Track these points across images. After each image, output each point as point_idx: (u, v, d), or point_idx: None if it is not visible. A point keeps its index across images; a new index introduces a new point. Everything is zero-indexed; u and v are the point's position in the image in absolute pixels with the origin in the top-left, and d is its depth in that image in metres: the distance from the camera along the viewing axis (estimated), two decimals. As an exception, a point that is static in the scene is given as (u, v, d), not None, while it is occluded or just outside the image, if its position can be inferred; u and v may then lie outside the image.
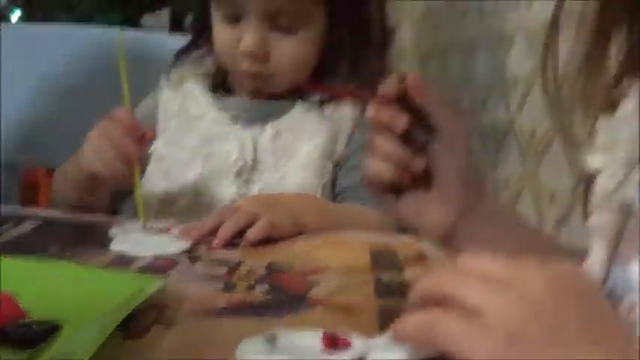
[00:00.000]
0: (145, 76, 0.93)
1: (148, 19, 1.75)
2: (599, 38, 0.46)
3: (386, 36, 0.93)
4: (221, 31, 0.90)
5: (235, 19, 0.88)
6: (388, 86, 0.52)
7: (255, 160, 0.88)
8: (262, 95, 0.91)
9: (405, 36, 2.61)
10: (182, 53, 0.98)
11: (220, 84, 0.95)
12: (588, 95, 0.47)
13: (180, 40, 1.03)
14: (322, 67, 0.91)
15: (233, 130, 0.90)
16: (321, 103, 0.90)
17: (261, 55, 0.87)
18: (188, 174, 0.89)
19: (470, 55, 2.15)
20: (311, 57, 0.90)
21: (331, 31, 0.90)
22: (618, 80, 0.46)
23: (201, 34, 0.96)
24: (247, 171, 0.88)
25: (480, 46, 2.08)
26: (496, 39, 1.98)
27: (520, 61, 1.81)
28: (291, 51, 0.88)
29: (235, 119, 0.91)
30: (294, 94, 0.90)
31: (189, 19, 1.38)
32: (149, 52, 1.16)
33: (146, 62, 1.05)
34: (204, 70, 0.95)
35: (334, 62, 0.90)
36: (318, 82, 0.90)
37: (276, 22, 0.87)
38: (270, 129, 0.89)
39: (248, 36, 0.87)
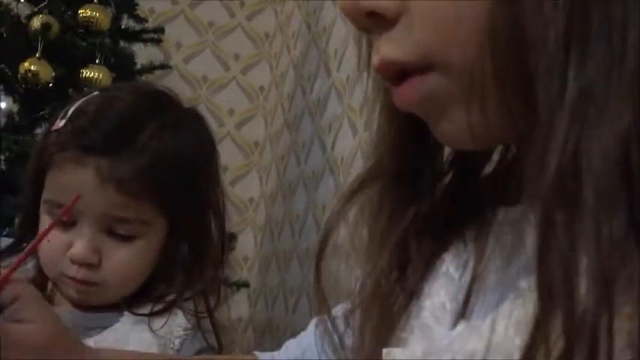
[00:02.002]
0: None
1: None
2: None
3: (224, 249, 0.92)
4: (50, 235, 0.85)
5: (68, 224, 0.83)
6: None
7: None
8: (86, 306, 0.85)
9: (247, 243, 2.64)
10: (5, 253, 0.91)
11: (39, 291, 0.88)
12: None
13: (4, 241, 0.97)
14: (155, 276, 0.87)
15: None
16: (151, 314, 0.84)
17: (93, 263, 0.82)
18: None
19: (307, 264, 2.20)
20: (146, 267, 0.86)
21: (170, 242, 0.86)
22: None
23: (28, 236, 0.90)
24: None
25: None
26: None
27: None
28: (125, 260, 0.83)
29: None
30: (122, 304, 0.85)
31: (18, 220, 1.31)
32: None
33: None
34: (23, 275, 0.88)
35: (169, 272, 0.87)
36: (150, 291, 0.86)
37: (112, 229, 0.83)
38: (91, 345, 0.82)
39: (80, 243, 0.82)
